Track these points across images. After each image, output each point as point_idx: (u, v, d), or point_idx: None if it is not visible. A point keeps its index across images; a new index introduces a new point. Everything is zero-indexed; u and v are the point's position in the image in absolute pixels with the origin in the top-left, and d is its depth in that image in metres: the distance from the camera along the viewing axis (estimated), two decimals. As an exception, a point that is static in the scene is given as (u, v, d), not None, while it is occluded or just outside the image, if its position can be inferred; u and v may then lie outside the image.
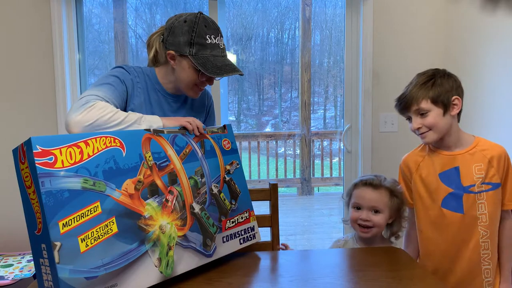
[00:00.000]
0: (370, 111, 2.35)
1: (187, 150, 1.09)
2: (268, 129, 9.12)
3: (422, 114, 1.24)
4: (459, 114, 1.27)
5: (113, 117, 1.08)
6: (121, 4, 2.88)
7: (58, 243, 0.78)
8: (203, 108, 1.43)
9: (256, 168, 5.70)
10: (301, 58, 5.60)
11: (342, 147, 2.45)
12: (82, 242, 0.81)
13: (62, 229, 0.79)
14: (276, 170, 5.79)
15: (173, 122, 1.15)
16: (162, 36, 1.30)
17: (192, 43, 1.22)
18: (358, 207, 1.31)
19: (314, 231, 3.92)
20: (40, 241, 0.80)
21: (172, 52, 1.25)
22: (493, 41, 1.96)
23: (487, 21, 1.99)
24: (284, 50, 9.11)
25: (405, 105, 1.28)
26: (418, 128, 1.26)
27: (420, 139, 1.29)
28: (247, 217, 1.20)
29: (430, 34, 2.33)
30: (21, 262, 1.89)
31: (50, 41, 2.11)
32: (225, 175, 1.16)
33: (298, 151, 6.00)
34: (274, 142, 5.94)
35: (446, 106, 1.23)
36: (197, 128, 1.13)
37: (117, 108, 1.15)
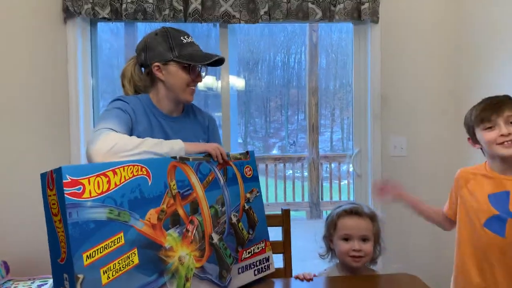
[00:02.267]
0: (379, 135, 2.35)
1: (210, 178, 1.09)
2: (275, 151, 9.12)
3: None
4: None
5: (130, 141, 1.10)
6: (132, 32, 2.95)
7: (81, 276, 0.78)
8: (203, 128, 1.45)
9: (264, 191, 5.68)
10: (308, 83, 5.65)
11: (351, 170, 2.45)
12: (104, 274, 0.82)
13: (86, 261, 0.80)
14: (284, 193, 5.75)
15: (196, 147, 1.16)
16: (138, 61, 1.37)
17: (172, 48, 1.30)
18: (346, 238, 1.27)
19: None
20: (62, 270, 0.81)
21: (157, 63, 1.31)
22: (507, 64, 1.97)
23: (500, 45, 2.00)
24: (290, 74, 9.20)
25: (496, 110, 1.23)
26: (508, 135, 1.20)
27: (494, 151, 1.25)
28: (263, 247, 1.19)
29: (440, 57, 2.35)
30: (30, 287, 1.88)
31: (65, 66, 2.15)
32: (245, 204, 1.16)
33: (306, 174, 5.97)
34: (282, 165, 5.93)
35: None
36: (221, 155, 1.14)
37: None
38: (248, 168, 1.20)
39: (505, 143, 1.21)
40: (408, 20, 2.33)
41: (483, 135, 1.26)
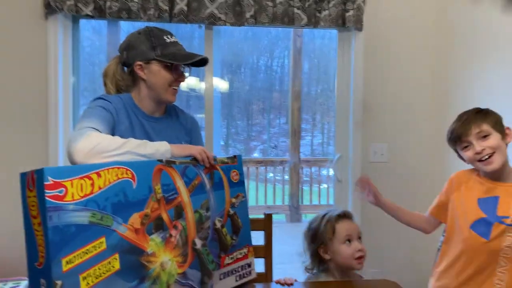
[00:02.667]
0: (360, 141, 2.38)
1: (196, 182, 1.07)
2: (256, 154, 9.13)
3: (484, 136, 1.24)
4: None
5: (113, 141, 1.08)
6: (115, 30, 2.91)
7: (59, 282, 0.76)
8: (185, 129, 1.43)
9: (244, 194, 5.69)
10: (291, 87, 5.68)
11: (331, 175, 2.47)
12: (83, 280, 0.79)
13: (65, 266, 0.77)
14: (265, 196, 5.76)
15: (182, 150, 1.14)
16: (120, 60, 1.35)
17: (155, 47, 1.28)
18: (349, 240, 1.30)
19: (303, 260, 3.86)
20: (40, 275, 0.78)
21: (139, 62, 1.29)
22: (489, 72, 2.03)
23: (482, 54, 2.06)
24: (273, 78, 9.23)
25: (464, 129, 1.26)
26: (482, 151, 1.23)
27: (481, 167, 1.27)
28: (246, 253, 1.18)
29: (422, 66, 2.40)
30: (2, 290, 1.82)
31: (45, 63, 2.10)
32: (230, 209, 1.15)
33: (286, 177, 6.00)
34: (263, 168, 5.94)
35: (502, 133, 1.26)
36: (208, 159, 1.12)
37: None
38: (235, 173, 1.18)
39: (484, 160, 1.24)
40: (392, 28, 2.37)
41: (464, 154, 1.30)
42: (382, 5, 2.35)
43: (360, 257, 1.29)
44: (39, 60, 2.10)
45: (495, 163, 1.24)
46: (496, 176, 1.29)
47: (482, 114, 1.28)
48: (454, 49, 2.25)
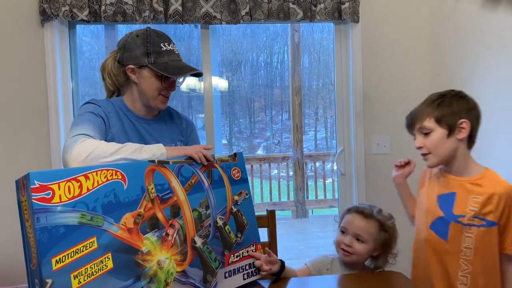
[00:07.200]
0: (362, 133, 2.37)
1: (193, 181, 1.07)
2: (260, 151, 9.13)
3: (426, 133, 1.18)
4: (470, 139, 1.19)
5: (107, 148, 1.08)
6: (112, 34, 2.91)
7: (49, 281, 0.78)
8: (180, 130, 1.43)
9: (249, 192, 5.70)
10: (291, 83, 5.67)
11: (335, 169, 2.47)
12: (74, 279, 0.81)
13: (55, 265, 0.79)
14: (270, 193, 5.76)
15: (178, 152, 1.14)
16: (117, 57, 1.34)
17: (149, 53, 1.27)
18: (343, 231, 1.31)
19: (310, 255, 3.89)
20: (34, 275, 0.81)
21: (131, 66, 1.29)
22: (486, 61, 2.02)
23: (478, 43, 2.04)
24: (273, 74, 9.22)
25: (410, 122, 1.24)
26: (420, 148, 1.20)
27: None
28: (253, 250, 1.17)
29: (420, 55, 2.39)
30: (11, 297, 1.83)
31: (44, 69, 2.11)
32: (232, 206, 1.14)
33: (291, 173, 6.00)
34: (267, 165, 5.94)
35: (451, 128, 1.16)
36: (205, 157, 1.11)
37: None
38: (236, 170, 1.18)
39: (422, 156, 1.21)
40: (388, 19, 2.36)
41: None
42: (377, -5, 2.34)
43: (345, 250, 1.28)
44: (38, 66, 2.11)
45: (429, 162, 1.21)
46: (455, 170, 1.21)
47: (433, 106, 1.19)
48: (454, 38, 2.23)
